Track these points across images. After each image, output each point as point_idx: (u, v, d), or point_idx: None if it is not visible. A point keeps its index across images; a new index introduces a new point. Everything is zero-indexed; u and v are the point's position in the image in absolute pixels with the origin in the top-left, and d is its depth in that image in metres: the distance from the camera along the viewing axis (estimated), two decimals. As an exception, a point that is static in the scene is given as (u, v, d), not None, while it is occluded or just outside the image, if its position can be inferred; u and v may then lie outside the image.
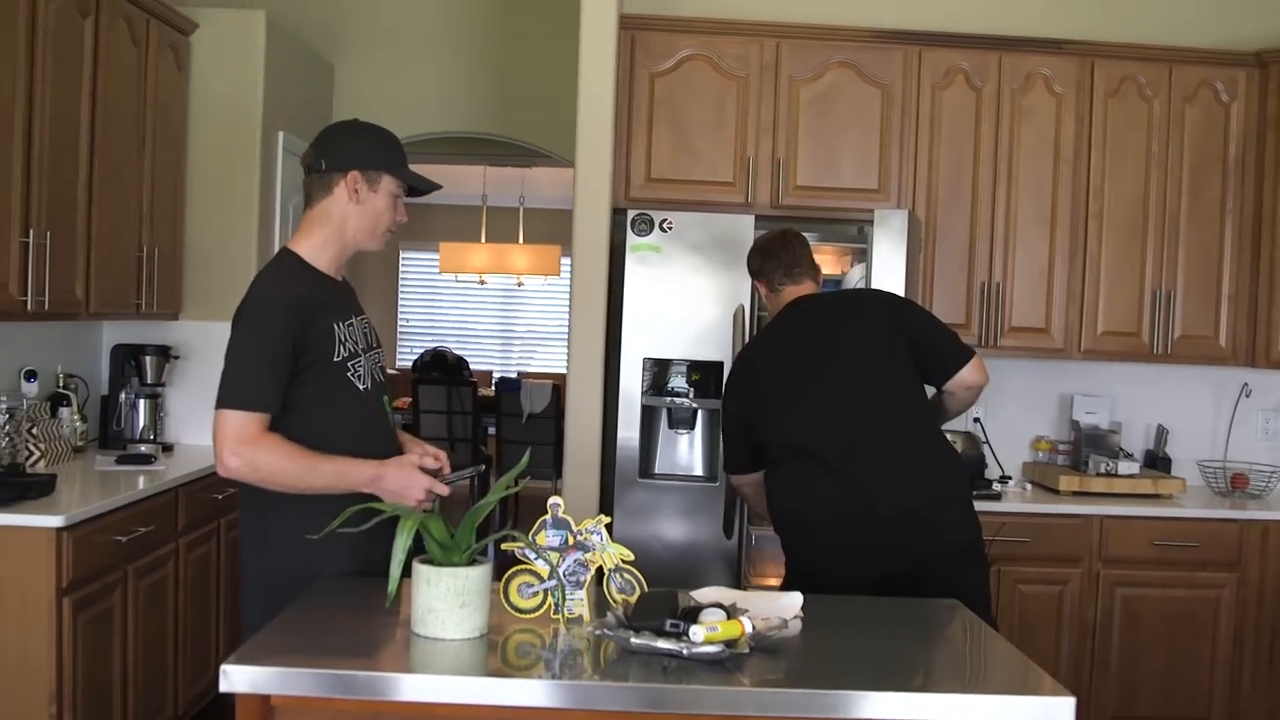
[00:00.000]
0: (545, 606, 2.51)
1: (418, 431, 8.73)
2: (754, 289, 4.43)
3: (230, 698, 2.16)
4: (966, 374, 3.53)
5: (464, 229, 11.96)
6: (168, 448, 4.98)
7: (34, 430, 4.37)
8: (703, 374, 4.58)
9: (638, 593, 2.53)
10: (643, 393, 4.51)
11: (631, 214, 4.48)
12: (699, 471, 4.64)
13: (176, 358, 5.18)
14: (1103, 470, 4.93)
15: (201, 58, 5.19)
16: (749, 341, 3.82)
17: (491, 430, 9.17)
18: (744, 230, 4.46)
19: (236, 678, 2.13)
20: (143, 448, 4.82)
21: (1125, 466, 4.94)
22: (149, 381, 5.08)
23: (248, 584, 2.90)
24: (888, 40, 4.94)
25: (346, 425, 2.84)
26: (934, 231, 4.93)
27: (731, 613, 2.35)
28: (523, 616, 2.50)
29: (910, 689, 2.22)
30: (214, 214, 5.23)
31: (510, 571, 2.52)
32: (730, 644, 2.26)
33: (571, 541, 2.52)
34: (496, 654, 2.36)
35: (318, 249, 2.90)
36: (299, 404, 2.76)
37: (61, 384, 4.79)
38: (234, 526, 4.85)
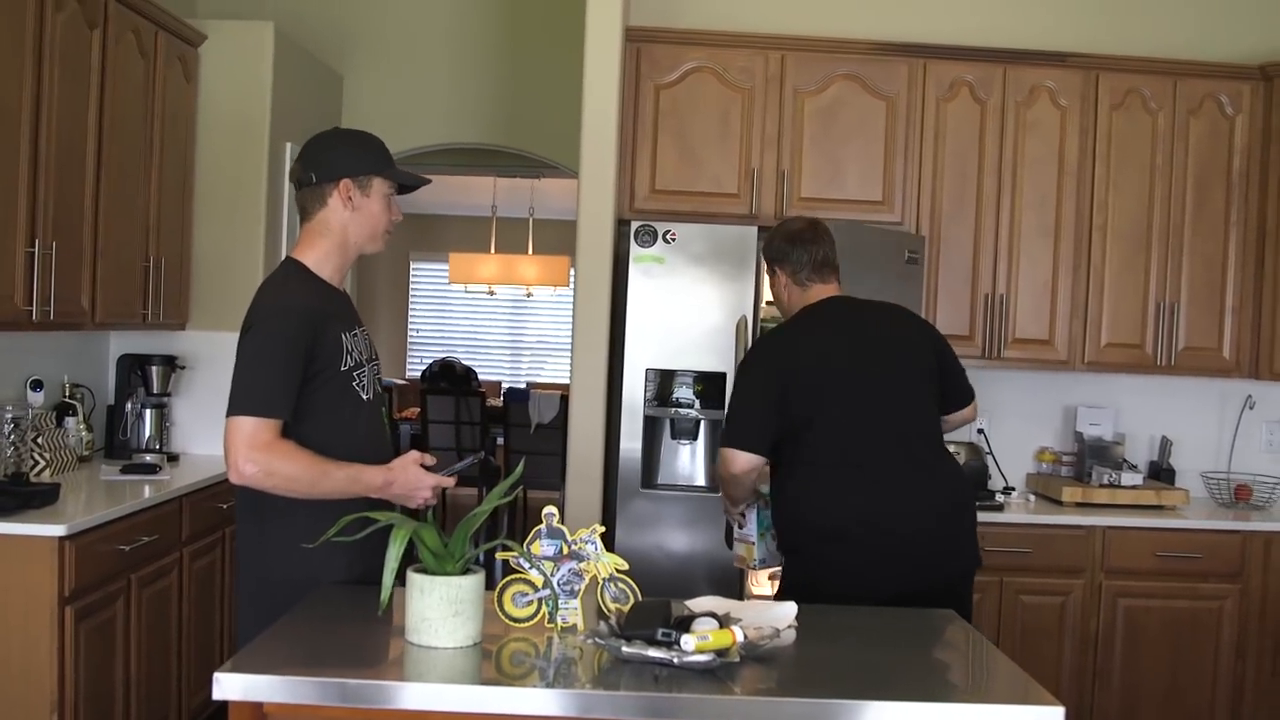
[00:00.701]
0: (539, 615, 2.52)
1: (426, 442, 8.76)
2: (757, 299, 4.45)
3: (233, 706, 2.18)
4: (969, 410, 3.65)
5: (474, 240, 12.00)
6: (173, 457, 5.00)
7: (39, 440, 4.40)
8: (706, 384, 4.59)
9: (631, 602, 2.55)
10: (645, 403, 4.52)
11: (635, 225, 4.50)
12: (701, 482, 4.65)
13: (183, 368, 5.20)
14: (1106, 481, 4.93)
15: (210, 69, 5.22)
16: (785, 324, 3.61)
17: (500, 440, 9.18)
18: (748, 242, 4.47)
19: (229, 685, 2.15)
20: (148, 457, 4.84)
21: (1129, 478, 4.94)
22: (155, 391, 5.11)
23: (244, 591, 2.91)
24: (892, 53, 4.95)
25: (351, 433, 2.86)
26: (938, 243, 4.94)
27: (724, 622, 2.36)
28: (517, 625, 2.52)
29: (902, 699, 2.23)
30: (221, 225, 5.26)
31: (504, 580, 2.53)
32: (721, 653, 2.27)
33: (566, 551, 2.53)
34: (490, 663, 2.37)
35: (321, 260, 2.92)
36: (306, 411, 2.77)
37: (67, 394, 4.82)
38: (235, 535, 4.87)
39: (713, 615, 2.41)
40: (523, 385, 11.20)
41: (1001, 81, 4.98)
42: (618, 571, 2.57)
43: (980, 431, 5.22)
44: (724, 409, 4.43)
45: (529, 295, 12.44)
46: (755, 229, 4.51)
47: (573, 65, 4.91)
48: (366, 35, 6.25)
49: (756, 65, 4.93)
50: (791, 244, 3.59)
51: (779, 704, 2.22)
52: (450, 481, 2.86)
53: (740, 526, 3.68)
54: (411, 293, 12.95)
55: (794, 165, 4.93)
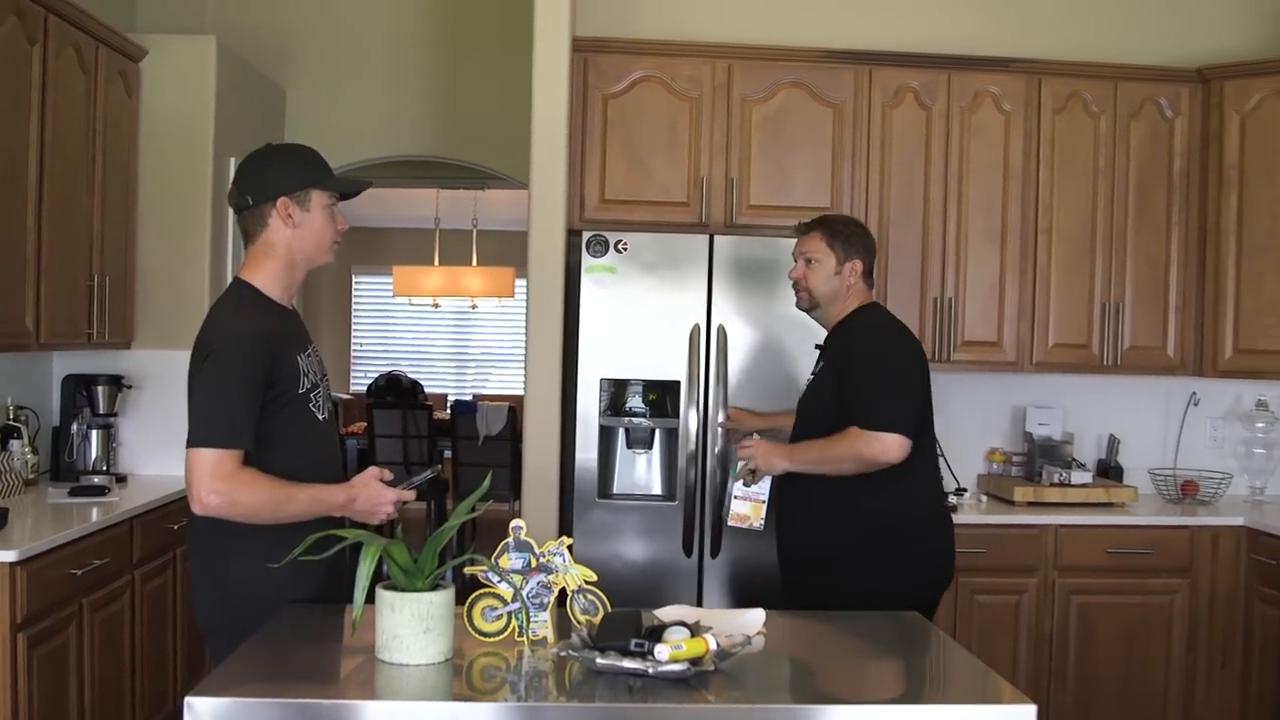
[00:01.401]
0: (509, 629, 2.51)
1: (374, 457, 8.69)
2: (710, 307, 4.46)
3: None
4: None
5: (417, 252, 11.93)
6: (121, 479, 4.93)
7: (-14, 462, 4.33)
8: (659, 393, 4.59)
9: (601, 613, 2.54)
10: (600, 413, 4.51)
11: (586, 235, 4.49)
12: (657, 491, 4.65)
13: (129, 387, 5.13)
14: (1056, 480, 4.99)
15: (152, 84, 5.16)
16: (891, 316, 3.79)
17: (448, 453, 9.13)
18: (698, 250, 4.48)
19: (200, 709, 2.12)
20: (96, 479, 4.76)
21: (1078, 476, 5.00)
22: (101, 412, 5.03)
23: (207, 614, 2.86)
24: (838, 60, 4.99)
25: (308, 455, 2.85)
26: (886, 248, 4.97)
27: (695, 631, 2.36)
28: (487, 640, 2.51)
29: (876, 701, 2.24)
30: (166, 241, 5.20)
31: (474, 595, 2.52)
32: (695, 662, 2.28)
33: (534, 564, 2.53)
34: (461, 678, 2.36)
35: (269, 280, 2.89)
36: (266, 437, 2.75)
37: (11, 416, 4.73)
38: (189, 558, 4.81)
39: (683, 624, 2.41)
40: (469, 397, 11.16)
41: (946, 87, 5.03)
42: (586, 583, 2.56)
43: (931, 434, 5.25)
44: (678, 418, 4.46)
45: (474, 307, 12.39)
46: (706, 238, 4.52)
47: (516, 76, 4.91)
48: (309, 48, 6.21)
49: (704, 74, 4.94)
50: (872, 248, 3.80)
51: (756, 711, 2.22)
52: (410, 495, 2.86)
53: (748, 484, 3.74)
54: (354, 306, 12.86)
55: (743, 173, 4.95)
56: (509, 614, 2.51)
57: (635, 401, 4.64)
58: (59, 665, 3.81)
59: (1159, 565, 4.79)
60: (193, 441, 2.68)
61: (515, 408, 8.41)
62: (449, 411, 9.61)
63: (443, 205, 10.82)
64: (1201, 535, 4.82)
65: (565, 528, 4.58)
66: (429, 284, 11.25)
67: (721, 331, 4.45)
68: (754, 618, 2.59)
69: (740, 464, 3.73)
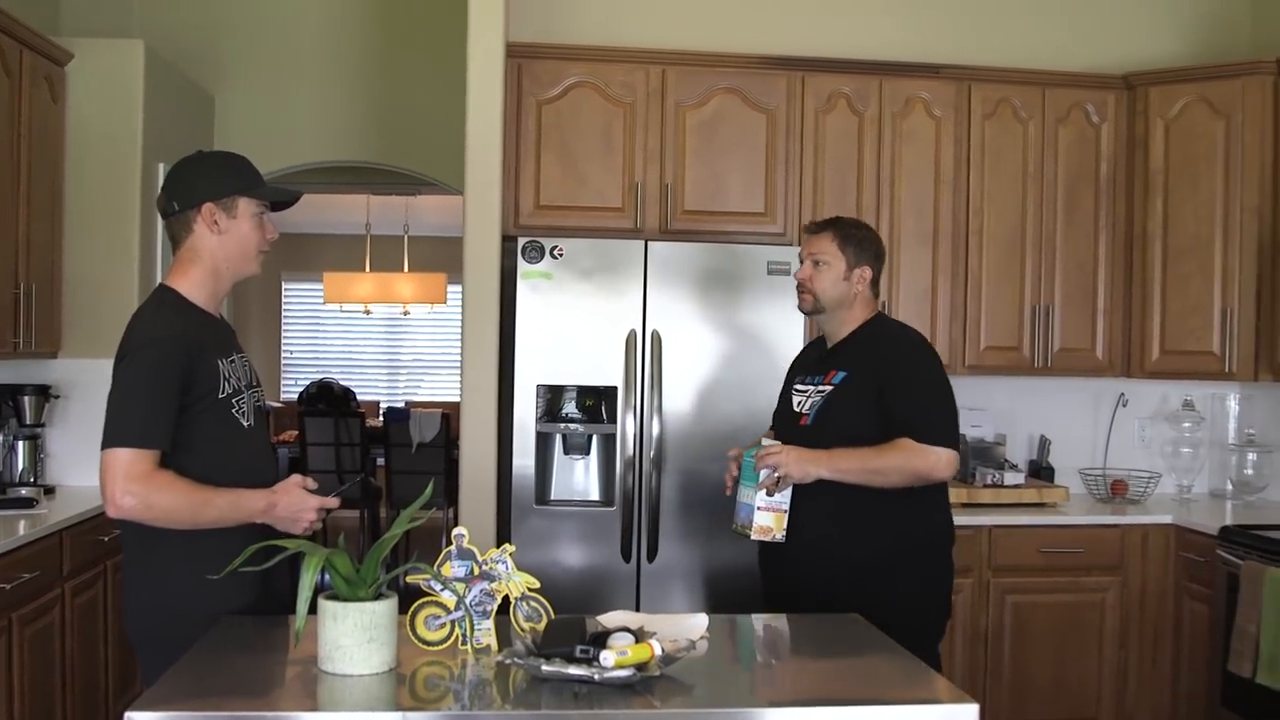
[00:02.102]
0: (453, 638, 2.50)
1: (305, 465, 8.61)
2: (645, 313, 4.47)
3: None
4: None
5: (348, 258, 11.85)
6: (49, 490, 4.85)
7: (-91, 475, 4.23)
8: (596, 399, 4.59)
9: (545, 620, 2.54)
10: (536, 419, 4.50)
11: (522, 241, 4.48)
12: (595, 497, 4.65)
13: (56, 397, 5.05)
14: (989, 481, 5.04)
15: (78, 89, 5.08)
16: (913, 329, 3.67)
17: (381, 461, 9.06)
18: (634, 255, 4.49)
19: (141, 723, 2.09)
20: (23, 491, 4.69)
21: (1011, 477, 5.07)
22: (28, 422, 4.95)
23: (139, 627, 2.82)
24: (771, 66, 5.02)
25: (231, 461, 2.81)
26: (820, 253, 5.00)
27: (640, 636, 2.36)
28: (430, 649, 2.49)
29: (818, 702, 2.25)
30: (94, 248, 5.12)
31: (416, 604, 2.50)
32: (641, 667, 2.27)
33: (477, 571, 2.52)
34: (405, 688, 2.34)
35: (195, 287, 2.87)
36: (185, 441, 2.72)
37: (-63, 427, 4.65)
38: (121, 569, 4.74)
39: (628, 630, 2.41)
40: (401, 404, 11.08)
41: (878, 93, 5.08)
42: (529, 590, 2.56)
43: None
44: (614, 424, 4.46)
45: (406, 313, 12.33)
46: (642, 243, 4.52)
47: (448, 81, 4.89)
48: (238, 53, 6.15)
49: (637, 79, 4.95)
50: (885, 254, 3.70)
51: (702, 715, 2.23)
52: (334, 502, 2.82)
53: (770, 494, 3.38)
54: (284, 313, 12.73)
55: (677, 178, 4.96)
56: (452, 622, 2.50)
57: (571, 407, 4.64)
58: (-12, 681, 3.74)
59: (1090, 563, 4.86)
60: (106, 442, 2.66)
61: (448, 414, 8.37)
62: (381, 419, 9.54)
63: (374, 211, 10.75)
64: (1131, 534, 4.90)
65: (503, 535, 4.57)
66: (360, 290, 11.17)
67: (656, 337, 4.46)
68: (697, 622, 2.60)
69: (764, 473, 3.36)
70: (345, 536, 2.55)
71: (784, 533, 3.40)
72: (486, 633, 2.51)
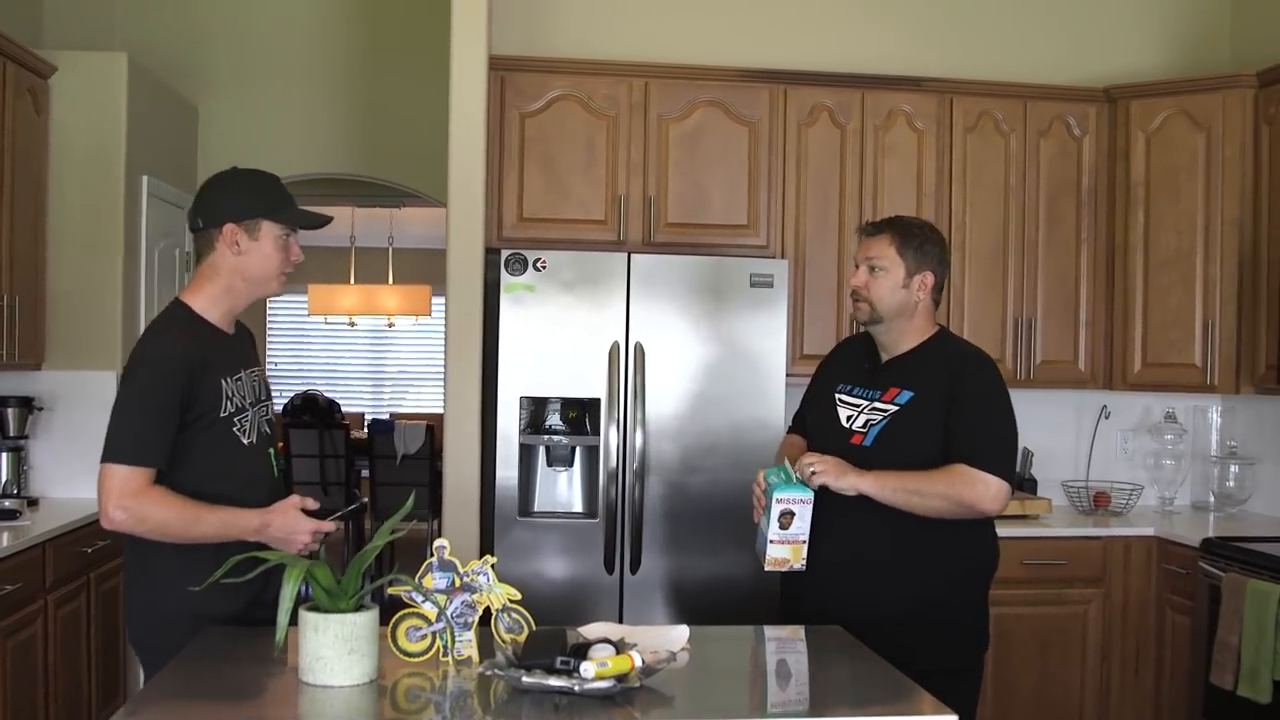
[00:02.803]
0: (434, 649, 2.50)
1: (290, 477, 8.60)
2: (629, 325, 4.47)
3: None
4: None
5: (332, 270, 11.83)
6: (33, 502, 4.83)
7: (-110, 488, 4.22)
8: (579, 411, 4.60)
9: (526, 632, 2.54)
10: (520, 431, 4.50)
11: (505, 254, 4.49)
12: (578, 508, 4.65)
13: (40, 409, 5.04)
14: (972, 494, 5.05)
15: (61, 101, 5.08)
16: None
17: (365, 473, 9.06)
18: (617, 268, 4.49)
19: (121, 734, 2.09)
20: (6, 502, 4.67)
21: (993, 490, 5.07)
22: (11, 434, 4.93)
23: (138, 631, 2.87)
24: (754, 79, 5.03)
25: (229, 478, 2.85)
26: (803, 266, 5.02)
27: (620, 648, 2.37)
28: (411, 660, 2.50)
29: (799, 715, 2.26)
30: (77, 261, 5.11)
31: (397, 615, 2.51)
32: (621, 679, 2.28)
33: (458, 583, 2.52)
34: (386, 699, 2.34)
35: (209, 303, 2.92)
36: (183, 457, 2.78)
37: (-82, 439, 4.64)
38: (105, 580, 4.74)
39: (608, 641, 2.41)
40: (386, 416, 11.08)
41: (860, 106, 5.10)
42: (511, 602, 2.56)
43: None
44: (598, 435, 4.46)
45: (390, 325, 12.32)
46: (625, 256, 4.53)
47: (433, 94, 4.89)
48: (222, 65, 6.15)
49: (620, 93, 4.96)
50: (949, 256, 3.43)
51: (682, 727, 2.23)
52: (330, 526, 2.84)
53: (785, 527, 3.11)
54: (269, 326, 12.71)
55: (660, 191, 4.97)
56: (433, 634, 2.50)
57: (555, 419, 4.64)
58: (-32, 694, 3.73)
59: (1073, 575, 4.87)
60: (104, 457, 2.71)
61: (433, 426, 8.37)
62: (366, 431, 9.54)
63: (358, 223, 10.75)
64: (1114, 545, 4.91)
65: (486, 546, 4.56)
66: (345, 302, 11.16)
67: (640, 349, 4.47)
68: (678, 634, 2.60)
69: (777, 509, 3.10)
70: (327, 548, 2.55)
71: (803, 562, 3.13)
72: (468, 644, 2.51)
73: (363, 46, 6.26)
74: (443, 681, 2.43)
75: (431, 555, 2.53)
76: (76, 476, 4.94)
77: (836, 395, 3.36)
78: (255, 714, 2.24)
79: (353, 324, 12.10)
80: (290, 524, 2.77)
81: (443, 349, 4.73)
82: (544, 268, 4.47)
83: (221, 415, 2.84)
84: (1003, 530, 4.74)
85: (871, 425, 3.21)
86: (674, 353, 4.50)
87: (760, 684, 2.53)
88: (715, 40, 5.38)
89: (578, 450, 4.63)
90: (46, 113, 5.04)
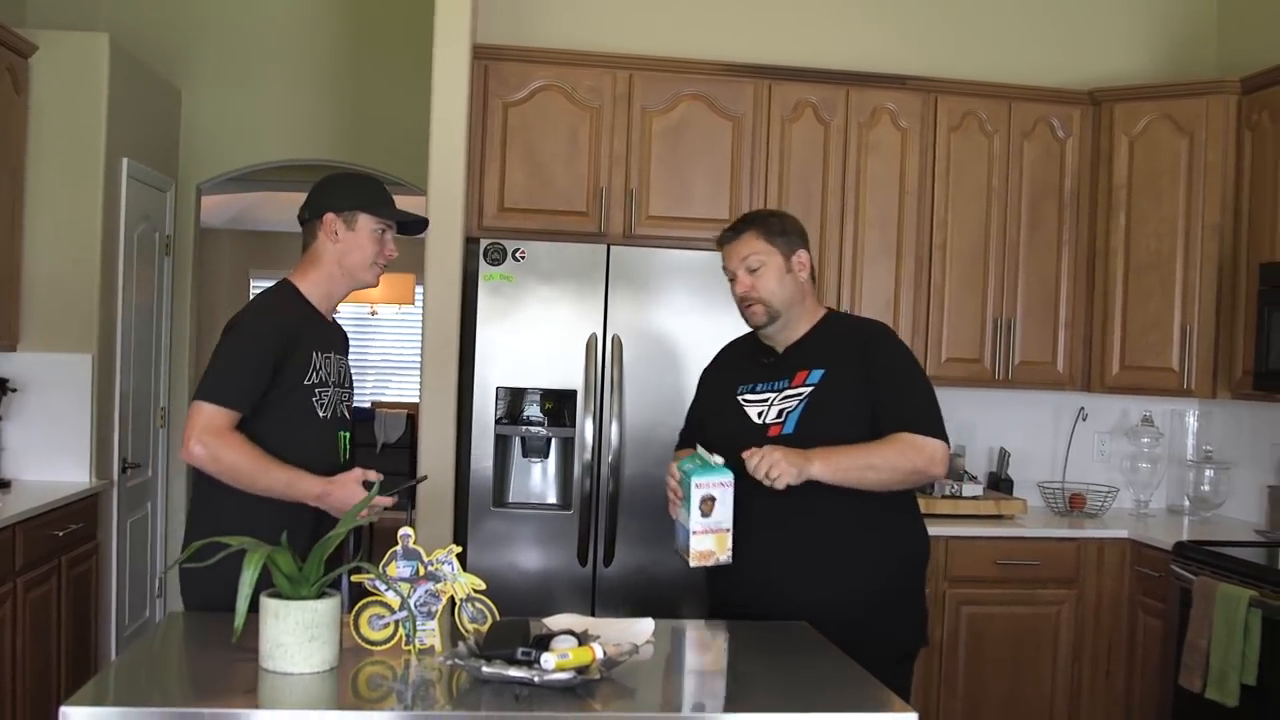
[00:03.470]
0: (396, 638, 2.49)
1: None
2: (607, 317, 4.47)
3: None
4: None
5: (316, 257, 11.79)
6: (4, 484, 4.79)
7: None
8: (556, 402, 4.59)
9: (489, 622, 2.53)
10: (496, 422, 4.50)
11: (485, 244, 4.47)
12: (553, 500, 4.65)
13: (14, 390, 5.00)
14: (948, 493, 5.06)
15: (42, 81, 5.05)
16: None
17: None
18: (596, 260, 4.48)
19: (76, 719, 2.07)
20: (-23, 484, 4.66)
21: (969, 489, 5.08)
22: (-16, 415, 4.91)
23: (189, 592, 2.92)
24: (738, 74, 5.02)
25: (300, 444, 3.01)
26: (784, 261, 5.01)
27: (583, 640, 2.36)
28: (374, 648, 2.49)
29: (762, 710, 2.25)
30: (55, 242, 5.08)
31: (361, 603, 2.50)
32: (582, 670, 2.27)
33: (422, 572, 2.51)
34: (347, 687, 2.33)
35: (311, 286, 3.17)
36: (264, 413, 2.96)
37: (-110, 418, 4.61)
38: (76, 564, 4.72)
39: (571, 633, 2.41)
40: (367, 405, 11.05)
41: (844, 103, 5.09)
42: (475, 592, 2.55)
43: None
44: (574, 427, 4.45)
45: (373, 314, 12.29)
46: (605, 247, 4.52)
47: (416, 82, 4.87)
48: (205, 49, 6.13)
49: (605, 84, 4.95)
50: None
51: (642, 719, 2.22)
52: (388, 501, 2.90)
53: (707, 514, 2.97)
54: (252, 312, 12.65)
55: (642, 183, 4.96)
56: (396, 622, 2.49)
57: (532, 410, 4.63)
58: (-67, 675, 3.71)
59: (1046, 576, 4.88)
60: (196, 395, 2.92)
61: (414, 415, 8.36)
62: (347, 419, 9.51)
63: (343, 211, 10.70)
64: (1088, 547, 4.92)
65: (460, 536, 4.55)
66: (328, 290, 11.11)
67: (617, 341, 4.46)
68: (643, 627, 2.59)
69: (697, 495, 2.96)
70: (289, 534, 2.53)
71: (728, 554, 2.99)
72: (430, 633, 2.50)
73: (348, 33, 6.24)
74: (404, 670, 2.42)
75: (397, 544, 2.52)
76: (49, 459, 4.90)
77: (739, 398, 3.28)
78: (213, 699, 2.22)
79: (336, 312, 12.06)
80: (349, 495, 2.91)
81: (422, 338, 4.71)
82: (523, 258, 4.46)
83: (305, 383, 3.03)
84: (977, 530, 4.84)
85: (788, 413, 3.16)
86: (652, 346, 4.49)
87: (723, 679, 2.53)
88: (701, 34, 5.37)
89: (553, 442, 4.62)
90: (26, 92, 5.01)
